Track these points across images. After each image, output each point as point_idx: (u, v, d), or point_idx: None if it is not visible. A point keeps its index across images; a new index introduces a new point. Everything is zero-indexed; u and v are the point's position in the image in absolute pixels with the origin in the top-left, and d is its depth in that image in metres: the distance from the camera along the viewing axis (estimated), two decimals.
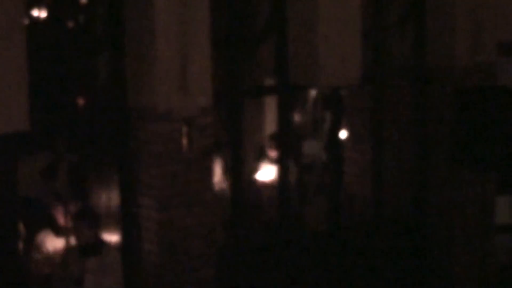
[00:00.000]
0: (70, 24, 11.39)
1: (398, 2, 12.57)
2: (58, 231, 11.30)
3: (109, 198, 11.27)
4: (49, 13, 11.01)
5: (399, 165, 12.84)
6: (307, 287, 11.94)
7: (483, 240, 12.93)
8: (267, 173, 12.54)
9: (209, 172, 11.18)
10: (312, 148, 13.00)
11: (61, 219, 11.45)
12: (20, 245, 11.06)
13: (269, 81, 11.88)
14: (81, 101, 11.36)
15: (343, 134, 12.76)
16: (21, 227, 11.13)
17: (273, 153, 11.90)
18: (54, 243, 11.15)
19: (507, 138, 12.00)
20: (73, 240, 10.62)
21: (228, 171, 11.96)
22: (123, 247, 11.19)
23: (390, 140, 12.79)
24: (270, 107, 12.11)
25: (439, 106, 12.51)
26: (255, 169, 13.10)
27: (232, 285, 11.61)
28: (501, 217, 13.35)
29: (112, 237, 11.44)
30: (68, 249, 10.69)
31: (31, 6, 10.29)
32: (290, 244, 12.12)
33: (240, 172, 11.91)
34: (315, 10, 11.40)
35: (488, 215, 13.00)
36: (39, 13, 10.84)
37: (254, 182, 12.90)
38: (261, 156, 12.89)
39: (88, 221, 10.20)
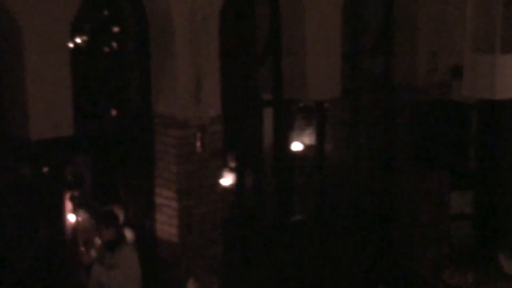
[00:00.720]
0: (106, 47, 11.37)
1: (371, 31, 12.56)
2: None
3: (138, 191, 11.25)
4: (89, 38, 11.00)
5: (372, 164, 12.87)
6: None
7: (438, 226, 12.95)
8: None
9: (218, 170, 11.18)
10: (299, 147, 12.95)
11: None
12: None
13: (267, 96, 11.90)
14: (114, 111, 11.32)
15: (326, 138, 12.66)
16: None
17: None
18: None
19: (458, 143, 12.10)
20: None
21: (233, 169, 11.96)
22: (150, 229, 11.22)
23: (364, 142, 12.82)
24: (268, 117, 12.12)
25: (404, 115, 12.52)
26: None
27: (235, 259, 11.51)
28: (456, 208, 13.40)
29: (141, 223, 11.35)
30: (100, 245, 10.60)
31: (74, 33, 10.28)
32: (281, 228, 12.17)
33: (243, 169, 12.00)
34: (303, 38, 11.41)
35: (443, 206, 13.01)
36: (81, 39, 10.81)
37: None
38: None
39: (108, 222, 10.11)
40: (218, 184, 11.23)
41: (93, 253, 10.51)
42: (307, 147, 12.90)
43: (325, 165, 12.56)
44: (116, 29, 11.05)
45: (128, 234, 10.69)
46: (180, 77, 10.56)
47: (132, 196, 11.25)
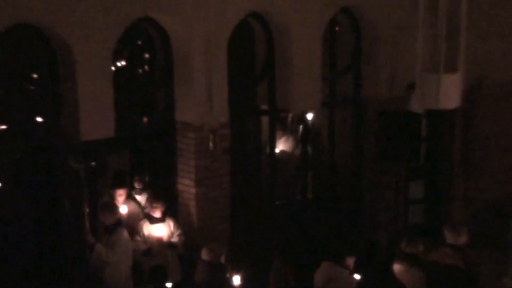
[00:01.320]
0: (140, 69, 11.48)
1: (344, 55, 12.50)
2: None
3: (164, 180, 11.29)
4: (127, 62, 11.11)
5: (346, 161, 12.89)
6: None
7: (397, 207, 12.81)
8: None
9: (226, 164, 11.17)
10: (287, 146, 12.84)
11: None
12: None
13: (264, 106, 11.98)
14: (145, 118, 11.46)
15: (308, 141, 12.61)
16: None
17: None
18: None
19: (412, 144, 12.12)
20: None
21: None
22: (175, 211, 11.13)
23: (339, 145, 12.83)
24: (266, 123, 12.03)
25: (370, 124, 12.48)
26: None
27: (239, 233, 11.51)
28: (411, 194, 13.46)
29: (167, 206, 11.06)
30: None
31: (115, 59, 10.41)
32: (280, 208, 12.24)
33: (246, 164, 12.17)
34: (291, 62, 11.42)
35: (401, 192, 12.91)
36: (120, 63, 10.94)
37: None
38: None
39: (111, 209, 9.85)
40: (227, 175, 11.20)
41: (139, 238, 10.23)
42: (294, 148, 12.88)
43: (308, 162, 12.59)
44: (147, 55, 11.15)
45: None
46: (196, 92, 10.61)
47: (160, 184, 11.26)
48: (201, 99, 10.69)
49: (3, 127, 10.12)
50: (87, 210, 9.85)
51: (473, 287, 8.34)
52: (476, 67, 10.93)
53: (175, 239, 10.39)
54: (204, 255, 9.19)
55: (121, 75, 10.67)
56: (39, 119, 10.35)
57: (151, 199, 10.56)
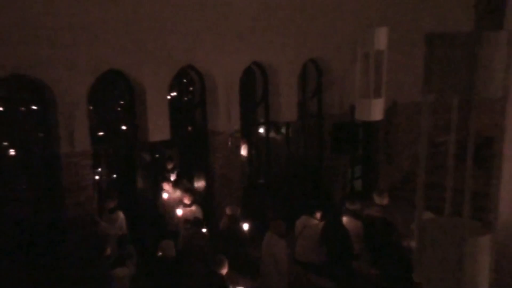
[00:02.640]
0: (185, 97, 11.50)
1: (311, 85, 12.39)
2: None
3: (201, 167, 11.19)
4: (177, 93, 11.14)
5: (312, 153, 12.71)
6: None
7: (345, 182, 12.86)
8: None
9: (239, 154, 11.17)
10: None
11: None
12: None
13: (261, 119, 11.97)
14: (190, 127, 11.39)
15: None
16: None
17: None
18: None
19: (353, 141, 12.09)
20: None
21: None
22: (209, 185, 11.17)
23: (310, 145, 12.69)
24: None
25: (328, 129, 12.25)
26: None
27: (248, 197, 11.38)
28: (354, 174, 13.50)
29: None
30: None
31: (170, 90, 10.38)
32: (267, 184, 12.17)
33: (251, 155, 12.08)
34: (278, 91, 11.35)
35: (347, 172, 12.94)
36: (172, 93, 10.93)
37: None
38: None
39: (113, 195, 9.28)
40: (239, 162, 11.19)
41: (176, 219, 9.52)
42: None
43: (290, 155, 12.55)
44: (190, 88, 11.20)
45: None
46: (220, 110, 10.59)
47: (199, 168, 11.23)
48: (222, 115, 10.67)
49: (101, 133, 10.09)
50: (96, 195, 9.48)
51: (392, 231, 8.34)
52: (392, 94, 10.91)
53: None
54: (227, 210, 9.12)
55: (173, 100, 10.65)
56: (123, 128, 10.37)
57: (184, 191, 9.90)
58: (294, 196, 11.92)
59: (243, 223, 8.88)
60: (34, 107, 9.32)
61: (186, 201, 9.52)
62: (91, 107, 9.60)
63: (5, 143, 9.30)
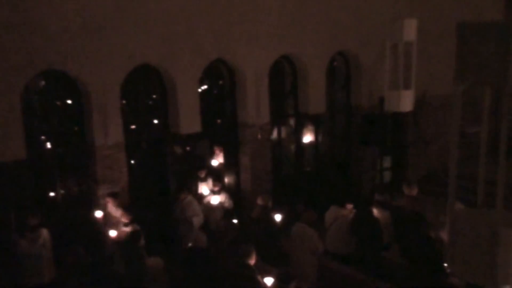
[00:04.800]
0: (215, 90, 11.48)
1: (339, 79, 12.31)
2: None
3: (231, 157, 11.12)
4: (207, 86, 11.12)
5: (343, 144, 12.63)
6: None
7: (374, 172, 12.87)
8: None
9: (269, 146, 11.15)
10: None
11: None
12: None
13: (291, 111, 11.83)
14: (219, 120, 11.37)
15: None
16: None
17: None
18: None
19: (382, 133, 12.00)
20: None
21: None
22: (238, 175, 11.18)
23: (339, 137, 12.61)
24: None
25: (356, 121, 12.27)
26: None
27: (279, 188, 11.37)
28: (384, 164, 13.30)
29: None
30: None
31: (200, 83, 10.36)
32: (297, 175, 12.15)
33: (282, 147, 11.87)
34: (308, 84, 11.35)
35: (376, 163, 12.86)
36: (203, 86, 10.92)
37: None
38: None
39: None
40: (269, 154, 11.18)
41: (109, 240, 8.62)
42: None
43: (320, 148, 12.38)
44: (220, 81, 11.22)
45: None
46: (249, 102, 10.65)
47: (229, 160, 11.12)
48: (252, 108, 10.71)
49: (133, 126, 10.17)
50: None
51: (421, 222, 8.25)
52: (421, 85, 10.75)
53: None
54: (259, 200, 9.05)
55: (204, 94, 10.66)
56: (155, 121, 10.44)
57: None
58: (324, 187, 11.86)
59: (275, 214, 8.86)
60: (69, 101, 9.40)
61: (125, 220, 8.34)
62: (124, 101, 9.64)
63: (42, 137, 9.41)
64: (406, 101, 7.54)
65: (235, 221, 8.82)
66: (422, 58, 7.45)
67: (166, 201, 9.97)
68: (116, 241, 8.21)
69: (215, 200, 9.68)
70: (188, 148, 10.43)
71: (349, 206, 8.77)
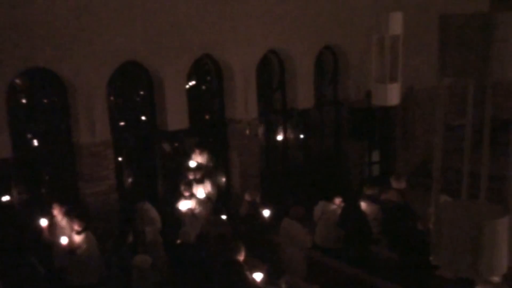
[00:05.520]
0: (203, 86, 11.38)
1: (327, 73, 12.30)
2: None
3: (219, 154, 10.99)
4: (195, 82, 11.02)
5: (332, 138, 12.58)
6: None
7: (363, 166, 12.91)
8: None
9: (257, 142, 11.13)
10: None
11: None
12: None
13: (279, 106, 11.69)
14: (207, 116, 11.29)
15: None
16: None
17: None
18: None
19: (370, 127, 11.98)
20: None
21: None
22: (227, 171, 11.08)
23: (327, 131, 12.52)
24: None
25: (345, 116, 12.30)
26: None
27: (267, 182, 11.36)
28: (373, 158, 13.39)
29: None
30: None
31: (188, 79, 10.30)
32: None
33: (270, 143, 11.88)
34: (295, 78, 11.32)
35: (364, 157, 12.86)
36: (191, 82, 10.84)
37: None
38: None
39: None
40: (257, 149, 11.13)
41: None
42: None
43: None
44: (208, 77, 11.16)
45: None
46: (237, 98, 10.59)
47: (216, 156, 11.00)
48: (240, 104, 10.66)
49: (122, 123, 10.11)
50: None
51: (409, 215, 8.26)
52: (408, 78, 10.74)
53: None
54: (247, 196, 9.01)
55: (192, 90, 10.58)
56: (143, 118, 10.38)
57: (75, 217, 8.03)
58: (312, 182, 11.82)
59: (263, 209, 8.84)
60: (56, 99, 9.32)
61: (77, 227, 7.79)
62: (111, 98, 9.57)
63: (29, 135, 9.33)
64: (392, 95, 7.50)
65: (223, 217, 8.78)
66: (408, 52, 7.39)
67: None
68: (67, 250, 7.78)
69: (200, 193, 9.54)
70: (176, 145, 10.36)
71: (338, 200, 8.77)
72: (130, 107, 10.27)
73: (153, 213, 8.72)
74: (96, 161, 9.04)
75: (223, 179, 11.19)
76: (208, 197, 9.54)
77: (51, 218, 8.10)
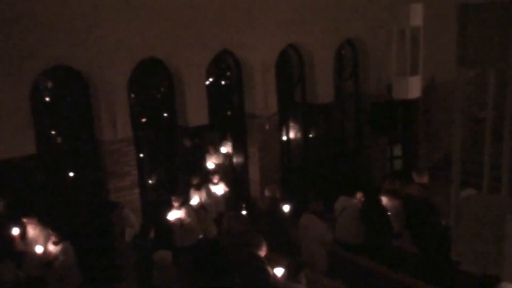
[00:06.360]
0: (223, 81, 11.40)
1: (347, 67, 12.27)
2: None
3: (243, 149, 11.10)
4: (214, 77, 11.04)
5: (350, 132, 12.57)
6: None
7: (384, 160, 12.75)
8: None
9: (277, 137, 11.11)
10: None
11: None
12: None
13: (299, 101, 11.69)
14: (228, 112, 11.28)
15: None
16: None
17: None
18: None
19: (391, 121, 11.85)
20: None
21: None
22: (246, 166, 11.13)
23: (347, 124, 12.51)
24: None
25: (365, 108, 12.18)
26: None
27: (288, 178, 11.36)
28: (394, 152, 13.24)
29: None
30: None
31: (208, 76, 10.31)
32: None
33: (290, 138, 11.85)
34: (314, 72, 11.27)
35: (386, 151, 12.77)
36: (211, 78, 10.86)
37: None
38: None
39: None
40: (277, 144, 11.13)
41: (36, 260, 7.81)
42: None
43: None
44: (227, 73, 11.14)
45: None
46: (257, 94, 10.59)
47: (237, 150, 11.15)
48: (260, 99, 10.65)
49: (143, 120, 10.16)
50: None
51: (431, 210, 8.15)
52: (430, 70, 10.63)
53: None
54: (267, 192, 9.00)
55: (211, 86, 10.58)
56: (164, 114, 10.41)
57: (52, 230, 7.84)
58: (333, 177, 11.77)
59: (283, 205, 8.80)
60: (78, 96, 9.39)
61: (53, 238, 7.73)
62: (132, 95, 9.63)
63: (53, 132, 9.44)
64: (413, 88, 7.41)
65: (243, 212, 8.77)
66: (430, 44, 7.27)
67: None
68: (44, 261, 7.64)
69: (219, 190, 9.59)
70: (196, 141, 10.38)
71: (359, 195, 8.69)
72: (151, 103, 10.30)
73: (132, 218, 8.67)
74: (118, 157, 9.10)
75: (243, 175, 11.18)
76: (202, 205, 9.42)
77: (23, 227, 7.87)
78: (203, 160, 10.38)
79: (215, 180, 9.81)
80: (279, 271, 6.50)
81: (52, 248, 7.66)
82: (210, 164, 10.11)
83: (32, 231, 7.92)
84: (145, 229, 7.84)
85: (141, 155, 9.86)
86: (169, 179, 10.26)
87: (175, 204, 8.95)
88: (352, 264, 7.98)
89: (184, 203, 9.05)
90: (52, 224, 7.97)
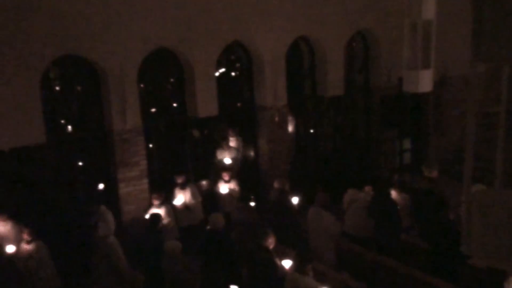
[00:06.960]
0: (232, 73, 11.36)
1: (358, 60, 12.22)
2: None
3: (249, 140, 11.07)
4: (225, 69, 10.98)
5: (360, 125, 12.48)
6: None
7: (393, 154, 12.72)
8: None
9: (286, 128, 11.07)
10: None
11: None
12: None
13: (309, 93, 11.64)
14: (239, 104, 11.22)
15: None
16: None
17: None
18: None
19: (402, 113, 11.80)
20: None
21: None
22: (256, 158, 11.14)
23: (357, 117, 12.43)
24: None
25: (375, 103, 12.16)
26: None
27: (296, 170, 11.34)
28: (404, 146, 13.16)
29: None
30: None
31: (217, 67, 10.27)
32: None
33: (300, 130, 11.71)
34: (325, 64, 11.22)
35: (396, 144, 12.66)
36: (220, 70, 10.82)
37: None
38: None
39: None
40: (286, 136, 11.11)
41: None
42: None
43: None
44: (237, 64, 11.13)
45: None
46: (267, 85, 10.55)
47: (247, 143, 11.09)
48: (270, 90, 10.62)
49: (153, 110, 10.16)
50: None
51: (440, 204, 8.13)
52: (441, 64, 10.55)
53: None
54: (276, 184, 8.98)
55: (221, 78, 10.53)
56: (174, 105, 10.40)
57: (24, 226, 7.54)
58: (342, 170, 11.73)
59: (292, 197, 8.81)
60: (88, 86, 9.41)
61: (26, 236, 7.35)
62: (142, 85, 9.62)
63: (62, 121, 9.46)
64: (424, 81, 7.36)
65: (252, 204, 8.78)
66: (442, 37, 7.21)
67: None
68: (15, 258, 7.31)
69: (224, 189, 9.60)
70: (206, 132, 10.38)
71: (368, 189, 8.67)
72: (161, 94, 10.29)
73: (109, 215, 8.26)
74: (128, 147, 9.12)
75: (253, 167, 11.16)
76: (187, 205, 9.22)
77: None
78: (212, 152, 10.33)
79: (226, 178, 9.62)
80: (287, 263, 6.52)
81: (25, 246, 7.32)
82: (227, 159, 10.01)
83: (1, 228, 7.51)
84: (154, 220, 7.85)
85: (150, 145, 9.85)
86: (178, 169, 10.22)
87: (155, 202, 8.70)
88: (360, 257, 7.98)
89: (165, 202, 8.81)
90: (25, 220, 7.64)
